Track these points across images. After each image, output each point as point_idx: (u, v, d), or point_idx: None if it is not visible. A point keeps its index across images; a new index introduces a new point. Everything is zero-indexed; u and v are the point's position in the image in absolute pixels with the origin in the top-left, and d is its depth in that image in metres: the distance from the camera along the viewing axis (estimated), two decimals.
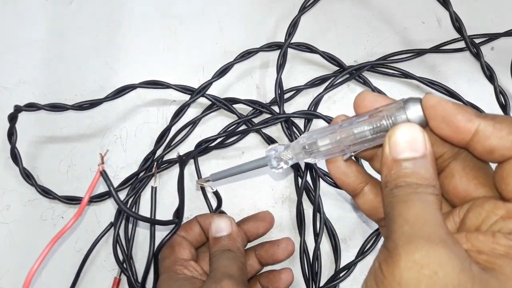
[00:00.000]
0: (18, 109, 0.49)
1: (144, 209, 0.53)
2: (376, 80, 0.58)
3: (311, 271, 0.50)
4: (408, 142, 0.28)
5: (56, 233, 0.39)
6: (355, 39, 0.60)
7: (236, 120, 0.55)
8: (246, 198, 0.54)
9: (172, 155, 0.55)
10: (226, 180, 0.54)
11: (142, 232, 0.52)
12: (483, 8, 0.61)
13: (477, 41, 0.57)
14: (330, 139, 0.33)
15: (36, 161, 0.55)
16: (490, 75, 0.54)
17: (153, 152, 0.54)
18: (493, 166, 0.29)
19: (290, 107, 0.57)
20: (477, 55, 0.55)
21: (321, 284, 0.50)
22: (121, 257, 0.50)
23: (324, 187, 0.53)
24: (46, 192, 0.52)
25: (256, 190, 0.54)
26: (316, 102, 0.56)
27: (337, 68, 0.58)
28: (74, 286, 0.50)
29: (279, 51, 0.56)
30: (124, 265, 0.50)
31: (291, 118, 0.54)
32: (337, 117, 0.33)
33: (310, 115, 0.54)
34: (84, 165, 0.55)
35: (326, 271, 0.51)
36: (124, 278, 0.50)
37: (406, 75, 0.57)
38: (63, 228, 0.38)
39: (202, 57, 0.59)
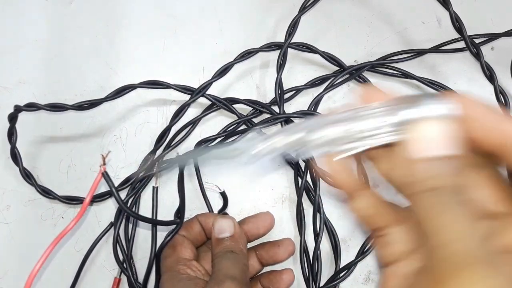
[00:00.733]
0: (18, 109, 0.49)
1: (144, 209, 0.53)
2: (376, 80, 0.58)
3: (311, 271, 0.50)
4: (441, 138, 0.23)
5: (57, 234, 0.39)
6: (355, 39, 0.60)
7: (236, 120, 0.55)
8: (246, 198, 0.54)
9: (172, 155, 0.55)
10: (225, 180, 0.54)
11: (142, 232, 0.52)
12: (483, 8, 0.61)
13: (477, 41, 0.57)
14: (329, 132, 0.27)
15: (36, 161, 0.55)
16: (490, 75, 0.54)
17: (153, 152, 0.54)
18: None
19: (290, 107, 0.57)
20: (477, 55, 0.55)
21: (321, 284, 0.50)
22: (121, 257, 0.50)
23: (324, 187, 0.53)
24: (46, 192, 0.52)
25: (256, 190, 0.54)
26: (316, 102, 0.56)
27: (337, 68, 0.58)
28: (74, 286, 0.50)
29: (279, 51, 0.56)
30: (124, 265, 0.50)
31: (291, 118, 0.54)
32: (337, 108, 0.27)
33: (310, 115, 0.54)
34: (84, 165, 0.55)
35: (326, 271, 0.51)
36: (124, 278, 0.50)
37: (406, 75, 0.57)
38: (64, 229, 0.38)
39: (202, 57, 0.59)
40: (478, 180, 0.26)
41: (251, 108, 0.56)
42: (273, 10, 0.61)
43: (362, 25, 0.61)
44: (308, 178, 0.53)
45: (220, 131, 0.55)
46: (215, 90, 0.56)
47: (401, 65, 0.58)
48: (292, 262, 0.52)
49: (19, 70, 0.58)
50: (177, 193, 0.50)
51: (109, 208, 0.53)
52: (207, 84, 0.54)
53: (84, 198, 0.41)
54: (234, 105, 0.55)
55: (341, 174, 0.28)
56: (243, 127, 0.56)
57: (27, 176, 0.52)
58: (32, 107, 0.50)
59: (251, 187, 0.54)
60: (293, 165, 0.54)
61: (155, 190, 0.46)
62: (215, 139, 0.54)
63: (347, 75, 0.57)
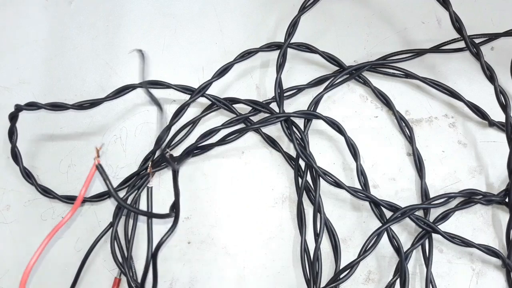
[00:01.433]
0: (18, 108, 0.49)
1: (144, 209, 0.53)
2: (376, 80, 0.58)
3: (312, 271, 0.50)
4: None
5: (57, 233, 0.39)
6: (355, 39, 0.60)
7: (234, 118, 0.55)
8: (246, 198, 0.54)
9: (173, 154, 0.55)
10: (226, 180, 0.54)
11: (142, 232, 0.52)
12: (483, 8, 0.61)
13: (477, 41, 0.57)
14: None
15: (36, 161, 0.55)
16: (490, 75, 0.54)
17: (153, 152, 0.54)
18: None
19: (290, 107, 0.57)
20: (477, 55, 0.54)
21: (322, 285, 0.50)
22: (120, 256, 0.50)
23: (323, 187, 0.53)
24: (46, 192, 0.52)
25: (256, 190, 0.54)
26: (316, 102, 0.56)
27: (337, 68, 0.58)
28: (74, 286, 0.50)
29: (279, 51, 0.56)
30: (124, 265, 0.49)
31: (291, 118, 0.54)
32: None
33: (309, 115, 0.54)
34: (84, 165, 0.55)
35: (326, 270, 0.51)
36: (124, 278, 0.50)
37: (406, 74, 0.57)
38: (60, 222, 0.38)
39: (202, 57, 0.59)
40: None
41: (251, 108, 0.56)
42: (273, 10, 0.61)
43: (362, 25, 0.61)
44: (308, 178, 0.53)
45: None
46: (215, 90, 0.57)
47: (401, 65, 0.58)
48: (292, 262, 0.52)
49: (19, 70, 0.58)
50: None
51: (108, 208, 0.53)
52: (207, 84, 0.54)
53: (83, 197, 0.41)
54: (234, 105, 0.55)
55: None
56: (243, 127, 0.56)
57: (27, 175, 0.52)
58: (32, 106, 0.50)
59: (251, 186, 0.54)
60: (293, 165, 0.54)
61: (149, 190, 0.46)
62: (219, 130, 0.54)
63: (347, 75, 0.57)
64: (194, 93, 0.54)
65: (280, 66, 0.55)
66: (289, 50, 0.57)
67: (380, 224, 0.51)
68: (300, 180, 0.53)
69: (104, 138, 0.56)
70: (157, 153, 0.54)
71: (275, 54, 0.56)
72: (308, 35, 0.59)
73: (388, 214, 0.51)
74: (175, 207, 0.46)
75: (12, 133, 0.51)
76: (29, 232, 0.52)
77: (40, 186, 0.52)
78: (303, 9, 0.56)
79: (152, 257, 0.47)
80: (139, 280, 0.50)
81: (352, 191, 0.51)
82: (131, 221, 0.52)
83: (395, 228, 0.52)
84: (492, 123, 0.55)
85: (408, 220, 0.51)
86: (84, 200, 0.52)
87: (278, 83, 0.55)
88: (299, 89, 0.57)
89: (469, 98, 0.56)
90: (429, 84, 0.56)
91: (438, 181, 0.54)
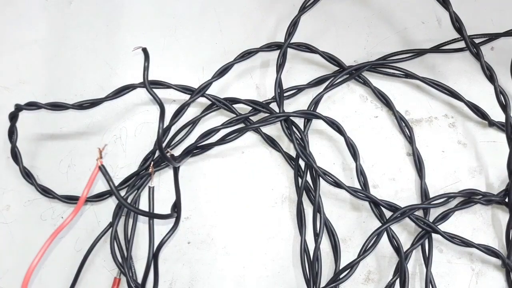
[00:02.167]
0: (19, 108, 0.49)
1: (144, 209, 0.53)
2: (376, 80, 0.58)
3: (312, 271, 0.50)
4: None
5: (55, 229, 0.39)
6: (355, 39, 0.60)
7: (233, 117, 0.55)
8: (246, 198, 0.54)
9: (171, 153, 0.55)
10: (226, 180, 0.54)
11: (142, 232, 0.52)
12: (483, 8, 0.61)
13: (477, 41, 0.57)
14: None
15: (35, 161, 0.55)
16: (490, 75, 0.54)
17: (153, 152, 0.54)
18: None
19: (290, 107, 0.57)
20: (477, 55, 0.55)
21: (322, 285, 0.50)
22: (119, 256, 0.50)
23: (323, 187, 0.53)
24: (46, 191, 0.52)
25: (256, 190, 0.54)
26: (316, 101, 0.56)
27: (337, 68, 0.58)
28: (73, 286, 0.50)
29: (279, 51, 0.56)
30: (124, 265, 0.49)
31: (291, 118, 0.54)
32: None
33: (309, 114, 0.54)
34: (84, 165, 0.55)
35: (326, 270, 0.51)
36: (124, 278, 0.50)
37: (406, 74, 0.57)
38: (62, 223, 0.38)
39: (202, 57, 0.59)
40: None
41: (251, 108, 0.56)
42: (273, 10, 0.61)
43: (362, 25, 0.61)
44: (308, 178, 0.53)
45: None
46: (215, 90, 0.57)
47: (401, 65, 0.58)
48: (292, 262, 0.52)
49: (19, 70, 0.58)
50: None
51: (108, 208, 0.53)
52: (207, 84, 0.54)
53: None
54: (234, 105, 0.55)
55: None
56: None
57: (27, 175, 0.52)
58: (32, 106, 0.50)
59: (251, 186, 0.54)
60: (293, 165, 0.54)
61: (151, 190, 0.46)
62: (219, 130, 0.54)
63: (347, 75, 0.57)
64: (194, 93, 0.54)
65: (280, 66, 0.55)
66: (289, 50, 0.57)
67: (380, 224, 0.51)
68: (300, 180, 0.53)
69: (104, 138, 0.56)
70: (157, 153, 0.54)
71: (275, 54, 0.56)
72: (308, 35, 0.59)
73: (388, 214, 0.51)
74: (176, 207, 0.46)
75: (12, 133, 0.51)
76: (29, 232, 0.52)
77: (40, 186, 0.52)
78: (303, 9, 0.56)
79: (153, 257, 0.47)
80: (139, 280, 0.50)
81: (352, 191, 0.51)
82: (130, 221, 0.52)
83: (395, 228, 0.52)
84: (492, 123, 0.55)
85: (408, 220, 0.51)
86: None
87: (278, 83, 0.55)
88: (299, 89, 0.57)
89: (469, 98, 0.56)
90: (429, 84, 0.56)
91: (438, 181, 0.54)
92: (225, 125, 0.54)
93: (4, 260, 0.52)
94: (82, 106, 0.52)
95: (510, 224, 0.51)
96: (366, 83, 0.57)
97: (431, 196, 0.53)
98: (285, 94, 0.56)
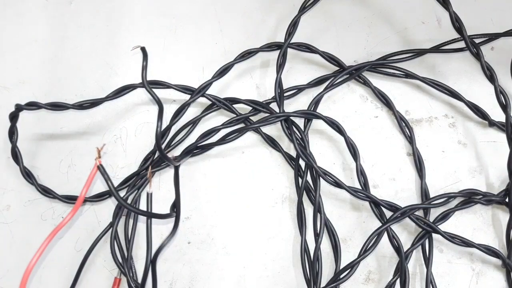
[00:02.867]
0: (19, 108, 0.49)
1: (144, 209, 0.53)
2: (376, 80, 0.58)
3: (312, 271, 0.50)
4: None
5: (57, 233, 0.39)
6: (355, 39, 0.60)
7: (234, 117, 0.55)
8: (246, 198, 0.54)
9: (173, 154, 0.55)
10: (226, 180, 0.54)
11: (142, 232, 0.52)
12: (483, 8, 0.61)
13: (477, 41, 0.57)
14: None
15: (36, 161, 0.55)
16: (490, 75, 0.54)
17: (153, 152, 0.54)
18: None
19: (290, 107, 0.57)
20: (477, 55, 0.55)
21: (322, 285, 0.50)
22: (119, 256, 0.50)
23: (323, 187, 0.53)
24: (46, 191, 0.52)
25: (256, 190, 0.54)
26: (316, 102, 0.56)
27: (337, 68, 0.58)
28: (74, 286, 0.50)
29: (279, 51, 0.56)
30: (124, 265, 0.49)
31: (291, 118, 0.54)
32: None
33: (309, 114, 0.54)
34: (84, 165, 0.55)
35: (326, 270, 0.51)
36: (124, 278, 0.50)
37: (406, 74, 0.57)
38: (61, 223, 0.38)
39: (202, 57, 0.59)
40: None
41: (251, 108, 0.56)
42: (273, 10, 0.61)
43: (362, 25, 0.61)
44: (308, 178, 0.53)
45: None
46: (215, 90, 0.57)
47: (401, 65, 0.58)
48: (292, 262, 0.52)
49: (19, 70, 0.58)
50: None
51: (108, 208, 0.53)
52: (207, 84, 0.54)
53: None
54: (234, 105, 0.55)
55: None
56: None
57: (28, 175, 0.52)
58: (33, 106, 0.50)
59: (251, 187, 0.54)
60: (293, 165, 0.54)
61: (149, 196, 0.46)
62: (219, 130, 0.54)
63: (347, 75, 0.57)
64: (194, 93, 0.54)
65: (280, 66, 0.55)
66: (289, 50, 0.57)
67: (380, 224, 0.51)
68: (300, 180, 0.53)
69: (104, 138, 0.56)
70: (157, 153, 0.54)
71: (275, 54, 0.56)
72: (308, 35, 0.59)
73: (388, 214, 0.51)
74: (176, 207, 0.46)
75: (12, 133, 0.51)
76: (29, 232, 0.52)
77: (40, 186, 0.52)
78: (303, 9, 0.56)
79: (151, 263, 0.47)
80: (139, 280, 0.50)
81: (352, 191, 0.51)
82: (131, 221, 0.52)
83: (395, 228, 0.52)
84: (492, 123, 0.55)
85: (408, 220, 0.51)
86: (85, 200, 0.52)
87: (278, 83, 0.55)
88: (299, 89, 0.57)
89: (469, 98, 0.56)
90: (429, 84, 0.56)
91: (438, 181, 0.54)
92: (225, 125, 0.54)
93: (4, 260, 0.52)
94: (82, 106, 0.52)
95: (510, 224, 0.51)
96: (366, 83, 0.57)
97: (431, 196, 0.53)
98: (285, 94, 0.56)
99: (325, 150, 0.55)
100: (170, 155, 0.54)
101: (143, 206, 0.53)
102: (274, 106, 0.55)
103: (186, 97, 0.55)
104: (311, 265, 0.50)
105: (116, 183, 0.53)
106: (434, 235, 0.51)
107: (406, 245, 0.51)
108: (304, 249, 0.50)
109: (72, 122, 0.56)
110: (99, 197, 0.53)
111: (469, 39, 0.54)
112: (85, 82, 0.58)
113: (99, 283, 0.51)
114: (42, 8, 0.61)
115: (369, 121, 0.56)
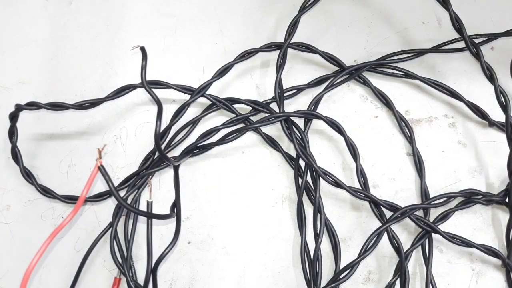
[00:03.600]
0: (19, 108, 0.49)
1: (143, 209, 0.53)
2: (375, 80, 0.58)
3: (312, 272, 0.50)
4: None
5: (57, 233, 0.39)
6: (355, 39, 0.60)
7: (234, 117, 0.55)
8: (246, 198, 0.54)
9: (173, 154, 0.55)
10: (226, 180, 0.54)
11: (142, 232, 0.52)
12: (483, 8, 0.61)
13: (477, 41, 0.57)
14: None
15: (36, 161, 0.55)
16: (490, 75, 0.54)
17: (153, 152, 0.54)
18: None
19: (290, 107, 0.57)
20: (477, 55, 0.55)
21: (322, 285, 0.50)
22: (119, 256, 0.50)
23: (323, 187, 0.53)
24: (46, 191, 0.52)
25: (256, 190, 0.54)
26: (316, 102, 0.56)
27: (337, 68, 0.58)
28: (74, 286, 0.50)
29: (279, 51, 0.56)
30: (124, 265, 0.49)
31: (291, 118, 0.54)
32: None
33: (309, 114, 0.54)
34: (84, 165, 0.55)
35: (326, 270, 0.51)
36: (124, 278, 0.50)
37: (406, 74, 0.57)
38: (61, 223, 0.38)
39: (202, 57, 0.59)
40: None
41: (251, 108, 0.56)
42: (273, 10, 0.61)
43: (362, 25, 0.61)
44: (308, 178, 0.53)
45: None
46: (215, 90, 0.57)
47: (401, 65, 0.58)
48: (292, 262, 0.52)
49: (19, 70, 0.58)
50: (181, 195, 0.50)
51: (108, 208, 0.53)
52: (207, 84, 0.54)
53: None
54: (234, 105, 0.55)
55: None
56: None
57: (28, 175, 0.52)
58: (33, 106, 0.50)
59: (251, 187, 0.54)
60: (293, 165, 0.54)
61: (149, 205, 0.46)
62: (219, 130, 0.54)
63: (347, 75, 0.57)
64: (194, 93, 0.54)
65: (280, 66, 0.55)
66: (289, 50, 0.57)
67: (380, 224, 0.51)
68: (300, 180, 0.53)
69: (104, 138, 0.56)
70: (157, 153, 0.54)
71: (275, 54, 0.57)
72: (308, 35, 0.59)
73: (388, 214, 0.51)
74: (176, 207, 0.46)
75: (12, 133, 0.51)
76: (29, 232, 0.52)
77: (40, 186, 0.52)
78: (303, 9, 0.56)
79: (152, 272, 0.47)
80: (139, 280, 0.50)
81: (352, 191, 0.51)
82: (130, 221, 0.52)
83: (395, 228, 0.52)
84: (492, 123, 0.55)
85: (408, 220, 0.51)
86: (85, 200, 0.52)
87: (278, 83, 0.55)
88: (299, 89, 0.57)
89: (469, 98, 0.56)
90: (429, 84, 0.56)
91: (438, 181, 0.54)
92: (225, 125, 0.54)
93: (4, 260, 0.52)
94: (82, 106, 0.52)
95: (510, 224, 0.51)
96: (366, 83, 0.57)
97: (431, 196, 0.53)
98: (285, 94, 0.56)
99: (325, 150, 0.55)
100: (175, 152, 0.54)
101: (143, 206, 0.53)
102: (274, 106, 0.56)
103: (186, 97, 0.55)
104: (311, 265, 0.50)
105: (116, 183, 0.53)
106: (434, 235, 0.51)
107: (406, 245, 0.51)
108: (304, 249, 0.50)
109: (72, 122, 0.56)
110: (99, 197, 0.53)
111: (469, 39, 0.54)
112: (85, 82, 0.58)
113: (99, 283, 0.51)
114: (42, 8, 0.61)
115: (369, 121, 0.56)
